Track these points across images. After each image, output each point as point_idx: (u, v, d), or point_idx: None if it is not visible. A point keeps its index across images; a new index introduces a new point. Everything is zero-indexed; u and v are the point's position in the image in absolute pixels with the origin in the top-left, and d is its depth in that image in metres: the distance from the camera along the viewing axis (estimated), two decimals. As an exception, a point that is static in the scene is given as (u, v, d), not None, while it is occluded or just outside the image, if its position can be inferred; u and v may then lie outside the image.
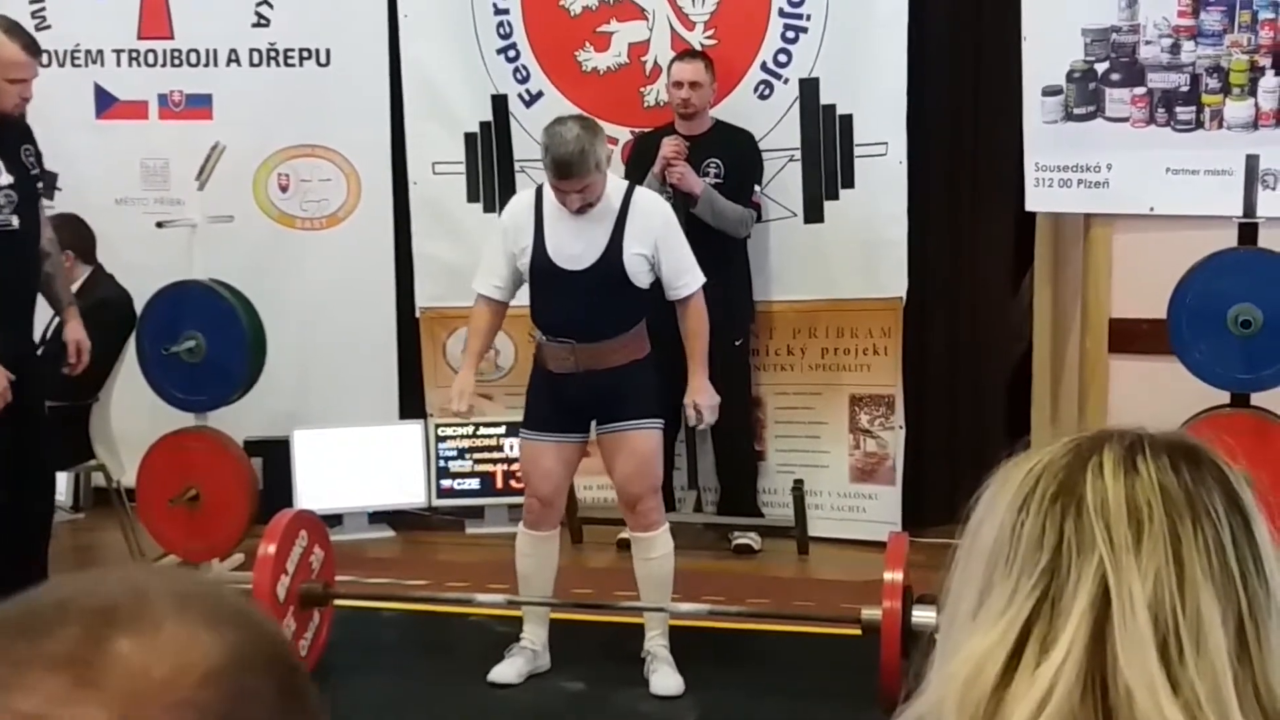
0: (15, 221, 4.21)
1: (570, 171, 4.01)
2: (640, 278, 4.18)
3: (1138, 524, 0.95)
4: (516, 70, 5.84)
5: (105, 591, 0.67)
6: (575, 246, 4.15)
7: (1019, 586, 0.96)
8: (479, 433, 5.86)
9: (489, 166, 5.91)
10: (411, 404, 6.06)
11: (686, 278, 4.22)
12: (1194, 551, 0.94)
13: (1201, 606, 0.93)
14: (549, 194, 4.20)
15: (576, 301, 4.14)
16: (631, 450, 4.23)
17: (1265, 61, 4.99)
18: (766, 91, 5.65)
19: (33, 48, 4.38)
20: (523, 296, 4.37)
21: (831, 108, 5.57)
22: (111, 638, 0.64)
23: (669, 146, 5.33)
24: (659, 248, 4.17)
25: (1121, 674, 0.91)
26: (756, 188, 5.45)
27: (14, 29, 4.37)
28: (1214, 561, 0.94)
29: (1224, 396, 4.74)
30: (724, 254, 5.36)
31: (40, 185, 4.46)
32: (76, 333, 4.56)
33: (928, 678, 1.01)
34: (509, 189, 5.81)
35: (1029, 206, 5.35)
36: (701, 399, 4.28)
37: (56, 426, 4.71)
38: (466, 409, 4.30)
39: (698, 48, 5.64)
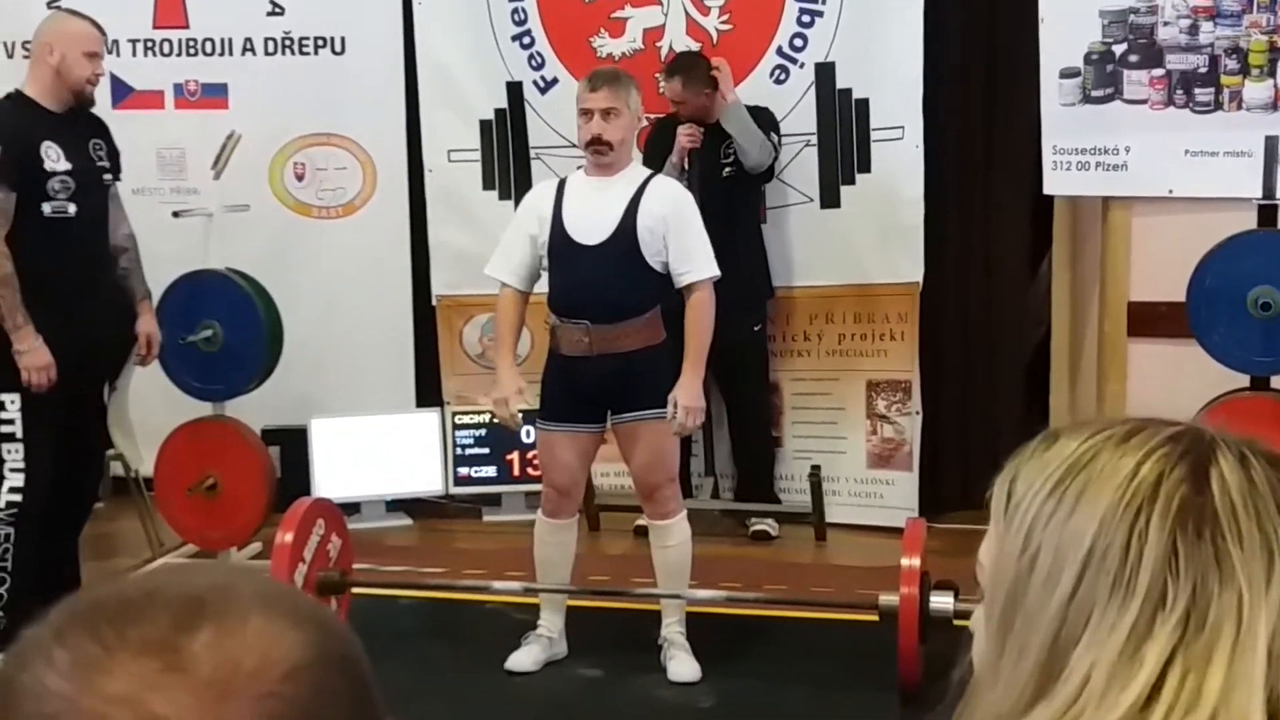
0: (71, 209, 4.30)
1: (601, 81, 4.04)
2: (654, 256, 4.14)
3: (1270, 555, 0.89)
4: (531, 57, 5.83)
5: (193, 584, 0.69)
6: (591, 219, 4.13)
7: (1157, 619, 0.88)
8: (496, 420, 5.84)
9: (504, 154, 5.90)
10: (428, 392, 6.06)
11: (696, 263, 4.13)
12: None
13: None
14: (572, 181, 4.21)
15: (591, 277, 4.11)
16: (648, 440, 4.21)
17: (1285, 42, 4.95)
18: (782, 76, 5.63)
19: (97, 25, 4.52)
20: (540, 285, 4.36)
21: (847, 92, 5.55)
22: (200, 627, 0.65)
23: (684, 136, 5.32)
24: (670, 226, 4.11)
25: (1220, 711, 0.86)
26: (774, 135, 5.40)
27: (75, 11, 4.57)
28: None
29: (1244, 380, 4.72)
30: (741, 239, 5.35)
31: (108, 180, 4.53)
32: (148, 325, 4.73)
33: (976, 675, 0.96)
34: (525, 176, 5.81)
35: (1047, 190, 5.32)
36: (684, 398, 4.09)
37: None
38: (518, 412, 4.22)
39: (714, 33, 5.63)
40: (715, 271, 4.17)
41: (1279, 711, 0.86)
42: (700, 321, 4.13)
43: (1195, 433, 0.94)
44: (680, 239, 4.13)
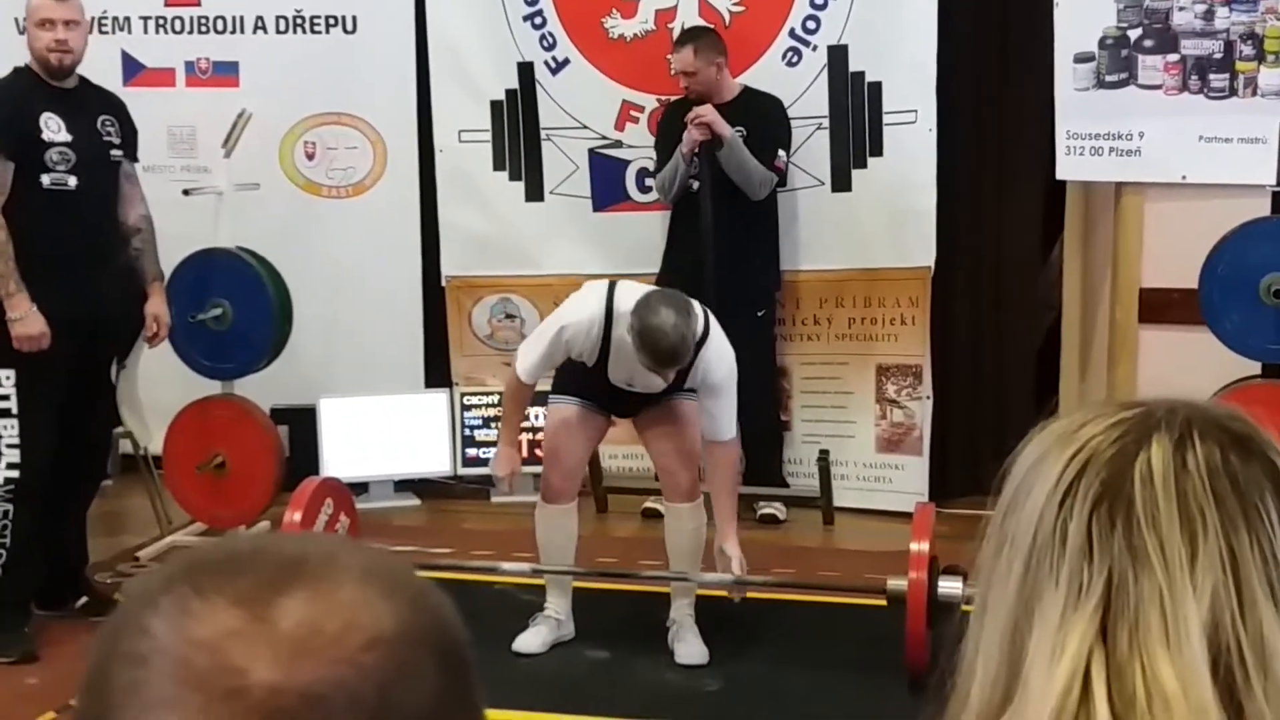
0: (72, 182, 4.29)
1: (675, 361, 3.95)
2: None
3: (1191, 537, 0.87)
4: (543, 37, 5.81)
5: (300, 548, 0.70)
6: (642, 385, 4.14)
7: (1076, 608, 0.88)
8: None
9: (515, 135, 5.88)
10: (437, 373, 6.06)
11: (721, 428, 4.19)
12: (1250, 566, 0.87)
13: (1264, 626, 0.86)
14: (618, 346, 4.05)
15: (637, 400, 4.23)
16: (675, 414, 4.25)
17: (1301, 28, 4.92)
18: (795, 59, 5.60)
19: None
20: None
21: (860, 75, 5.52)
22: (294, 587, 0.66)
23: (695, 128, 5.23)
24: (713, 395, 4.14)
25: (1177, 703, 0.84)
26: (781, 153, 5.39)
27: None
28: (1272, 575, 0.87)
29: (1255, 367, 4.70)
30: (750, 222, 5.33)
31: (117, 156, 4.50)
32: (157, 307, 4.70)
33: (964, 667, 0.95)
34: (535, 157, 5.80)
35: (1060, 175, 5.30)
36: (738, 552, 4.16)
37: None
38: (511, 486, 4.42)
39: (726, 15, 5.60)
40: (734, 433, 4.24)
41: (1234, 693, 0.85)
42: (731, 483, 4.27)
43: (1144, 415, 0.93)
44: (719, 407, 4.16)
